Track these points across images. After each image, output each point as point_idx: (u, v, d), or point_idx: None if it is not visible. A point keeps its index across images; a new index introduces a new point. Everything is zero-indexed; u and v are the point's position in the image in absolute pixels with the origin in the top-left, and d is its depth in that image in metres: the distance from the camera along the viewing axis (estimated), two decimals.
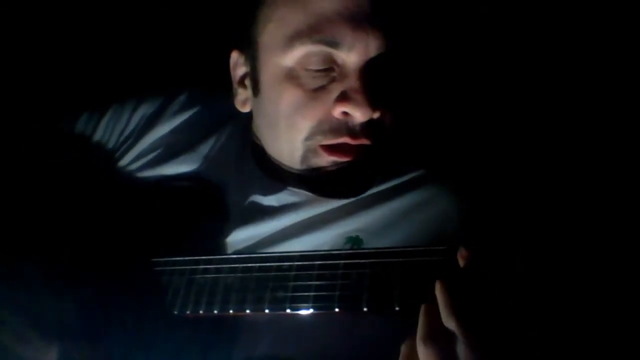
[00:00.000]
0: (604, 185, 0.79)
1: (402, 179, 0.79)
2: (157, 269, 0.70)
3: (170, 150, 0.87)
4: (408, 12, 0.75)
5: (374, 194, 0.77)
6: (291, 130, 0.73)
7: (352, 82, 0.70)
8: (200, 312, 0.65)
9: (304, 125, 0.72)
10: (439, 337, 0.51)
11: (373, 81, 0.70)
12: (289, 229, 0.77)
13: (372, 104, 0.69)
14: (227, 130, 0.87)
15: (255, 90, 0.78)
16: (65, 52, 1.12)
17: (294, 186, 0.78)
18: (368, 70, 0.70)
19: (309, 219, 0.77)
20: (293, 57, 0.71)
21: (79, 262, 0.71)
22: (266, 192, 0.79)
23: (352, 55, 0.70)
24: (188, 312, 0.66)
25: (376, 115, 0.71)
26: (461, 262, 0.55)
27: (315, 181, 0.75)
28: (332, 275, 0.60)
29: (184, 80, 0.98)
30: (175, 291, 0.68)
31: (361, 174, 0.74)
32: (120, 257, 0.73)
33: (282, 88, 0.73)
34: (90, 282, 0.69)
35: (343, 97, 0.70)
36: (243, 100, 0.81)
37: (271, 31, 0.73)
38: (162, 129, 0.88)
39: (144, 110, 0.90)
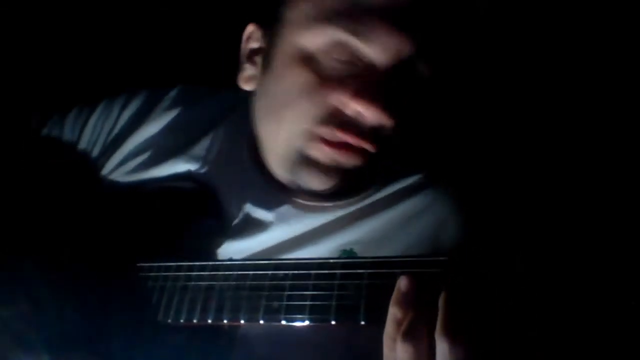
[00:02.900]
0: (603, 187, 0.78)
1: (397, 187, 0.76)
2: (151, 274, 0.69)
3: (161, 151, 0.84)
4: (448, 26, 0.70)
5: (368, 204, 0.75)
6: (296, 115, 0.68)
7: (374, 81, 0.66)
8: (194, 320, 0.64)
9: (310, 112, 0.67)
10: (420, 337, 0.51)
11: (396, 86, 0.66)
12: (283, 243, 0.75)
13: (389, 110, 0.65)
14: (221, 130, 0.84)
15: (266, 66, 0.73)
16: (54, 48, 1.09)
17: (285, 191, 0.74)
18: (394, 73, 0.66)
19: (303, 233, 0.75)
20: (318, 39, 0.67)
21: (74, 269, 0.70)
22: (261, 204, 0.77)
23: (380, 53, 0.66)
24: (182, 320, 0.65)
25: (389, 123, 0.67)
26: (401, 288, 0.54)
27: (307, 176, 0.70)
28: (328, 285, 0.59)
29: (177, 75, 0.95)
30: (169, 299, 0.67)
31: (356, 181, 0.71)
32: (112, 263, 0.72)
33: (296, 68, 0.68)
34: (87, 290, 0.68)
35: (360, 94, 0.65)
36: (248, 77, 0.77)
37: (302, 7, 0.69)
38: (151, 129, 0.85)
39: (133, 107, 0.87)
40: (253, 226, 0.77)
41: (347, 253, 0.73)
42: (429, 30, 0.67)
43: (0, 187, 0.81)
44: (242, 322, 0.62)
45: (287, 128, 0.70)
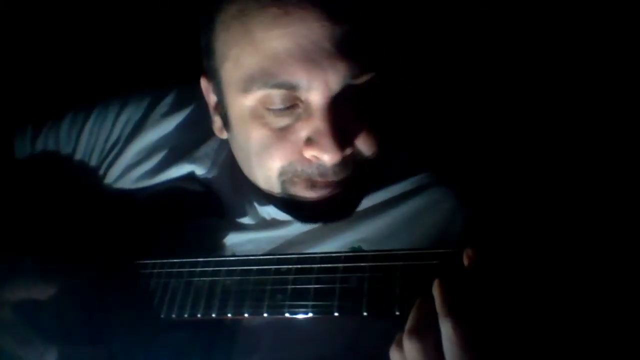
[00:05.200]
0: (606, 192, 0.79)
1: (404, 186, 0.77)
2: (154, 271, 0.70)
3: (165, 158, 0.84)
4: (373, 36, 0.69)
5: (376, 203, 0.76)
6: (263, 169, 0.70)
7: (317, 123, 0.66)
8: (198, 315, 0.65)
9: (275, 165, 0.69)
10: (425, 333, 0.51)
11: (340, 119, 0.66)
12: (292, 241, 0.76)
13: (341, 145, 0.65)
14: None
15: (226, 124, 0.75)
16: (44, 51, 1.09)
17: (279, 209, 0.75)
18: (333, 107, 0.65)
19: (311, 230, 0.76)
20: (253, 98, 0.67)
21: (77, 265, 0.70)
22: (265, 204, 0.77)
23: (313, 95, 0.65)
24: (186, 315, 0.65)
25: (348, 152, 0.67)
26: (466, 262, 0.54)
27: (297, 207, 0.72)
28: (331, 278, 0.60)
29: (173, 77, 0.94)
30: (172, 294, 0.67)
31: (344, 200, 0.72)
32: (116, 261, 0.72)
33: (248, 127, 0.69)
34: (91, 286, 0.69)
35: (310, 142, 0.66)
36: (220, 128, 0.77)
37: (229, 70, 0.69)
38: (151, 136, 0.85)
39: (129, 113, 0.87)
40: (259, 226, 0.78)
41: (355, 250, 0.72)
42: (351, 51, 0.65)
43: (3, 189, 0.82)
44: (246, 315, 0.62)
45: (262, 178, 0.71)
